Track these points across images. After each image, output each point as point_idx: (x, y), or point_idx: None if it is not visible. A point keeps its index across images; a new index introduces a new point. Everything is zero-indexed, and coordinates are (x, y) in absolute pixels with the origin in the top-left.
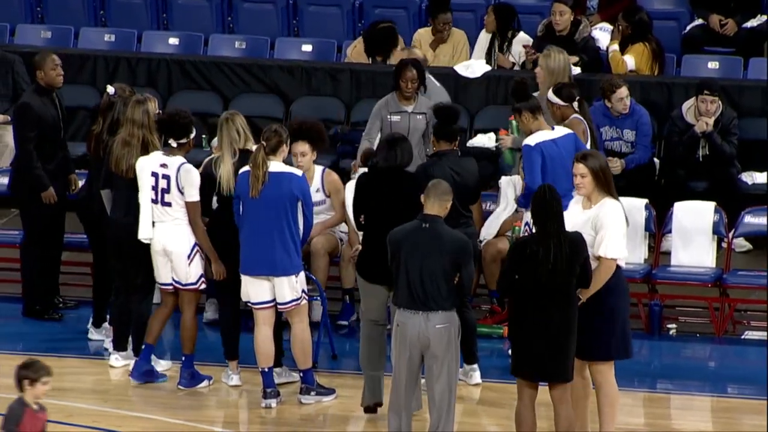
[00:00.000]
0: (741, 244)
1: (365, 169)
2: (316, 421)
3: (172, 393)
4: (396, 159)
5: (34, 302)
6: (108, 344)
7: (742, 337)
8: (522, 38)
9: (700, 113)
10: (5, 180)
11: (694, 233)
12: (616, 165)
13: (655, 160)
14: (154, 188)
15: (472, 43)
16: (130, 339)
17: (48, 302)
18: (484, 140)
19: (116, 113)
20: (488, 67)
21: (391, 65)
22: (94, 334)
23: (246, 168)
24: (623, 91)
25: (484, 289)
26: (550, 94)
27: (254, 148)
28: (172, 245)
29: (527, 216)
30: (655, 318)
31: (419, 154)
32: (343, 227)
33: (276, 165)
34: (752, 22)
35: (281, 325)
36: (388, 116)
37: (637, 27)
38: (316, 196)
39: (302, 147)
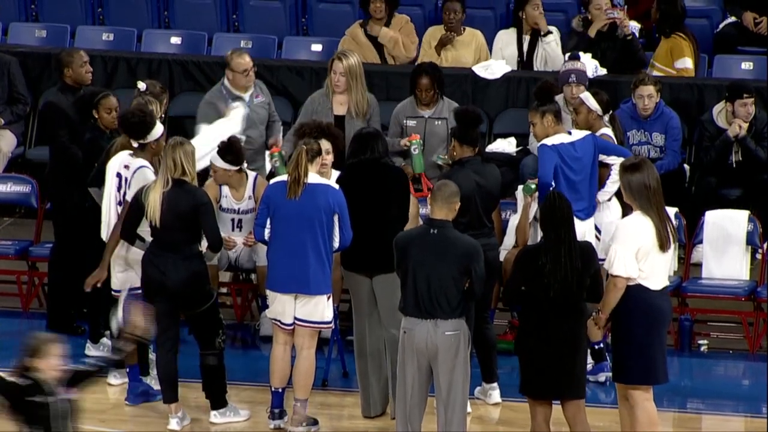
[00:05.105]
0: None
1: None
2: None
3: None
4: (365, 153)
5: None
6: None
7: None
8: (555, 39)
9: (739, 117)
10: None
11: (727, 243)
12: None
13: (685, 166)
14: (119, 190)
15: (489, 42)
16: None
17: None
18: (504, 145)
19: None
20: (508, 68)
21: (405, 66)
22: (91, 351)
23: (279, 178)
24: (646, 89)
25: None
26: (588, 96)
27: (191, 179)
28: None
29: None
30: (686, 333)
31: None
32: None
33: (311, 176)
34: None
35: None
36: (405, 120)
37: (663, 16)
38: None
39: (327, 145)
